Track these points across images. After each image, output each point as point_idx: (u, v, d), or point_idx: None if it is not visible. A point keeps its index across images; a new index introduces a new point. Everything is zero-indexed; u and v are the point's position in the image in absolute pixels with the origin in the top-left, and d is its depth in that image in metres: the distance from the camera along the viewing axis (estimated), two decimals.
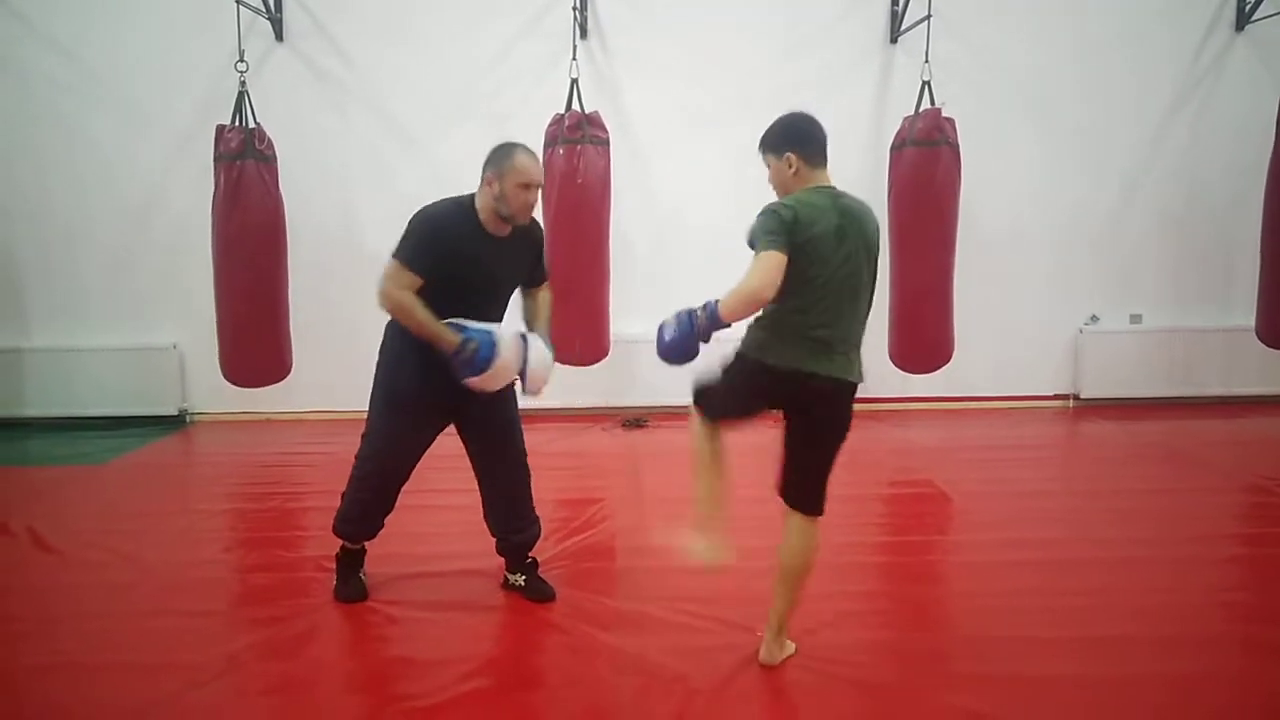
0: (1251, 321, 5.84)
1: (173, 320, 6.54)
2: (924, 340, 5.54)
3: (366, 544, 3.56)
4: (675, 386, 6.44)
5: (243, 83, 5.14)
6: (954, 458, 5.59)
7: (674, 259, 6.50)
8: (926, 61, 5.45)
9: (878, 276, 2.84)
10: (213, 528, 4.38)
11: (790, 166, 2.77)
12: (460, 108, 6.40)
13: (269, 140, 5.18)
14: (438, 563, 3.78)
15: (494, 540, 3.51)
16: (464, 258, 3.10)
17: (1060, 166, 6.63)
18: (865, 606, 3.40)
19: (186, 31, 6.26)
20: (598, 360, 5.57)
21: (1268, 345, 5.76)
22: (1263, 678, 2.88)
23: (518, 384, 3.30)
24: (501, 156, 3.12)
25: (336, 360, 6.58)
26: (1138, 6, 6.51)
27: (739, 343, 2.83)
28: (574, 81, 5.38)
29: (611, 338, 5.61)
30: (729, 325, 2.71)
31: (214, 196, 5.13)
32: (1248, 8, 6.44)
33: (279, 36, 6.32)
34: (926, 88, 5.43)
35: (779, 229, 2.60)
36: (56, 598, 3.55)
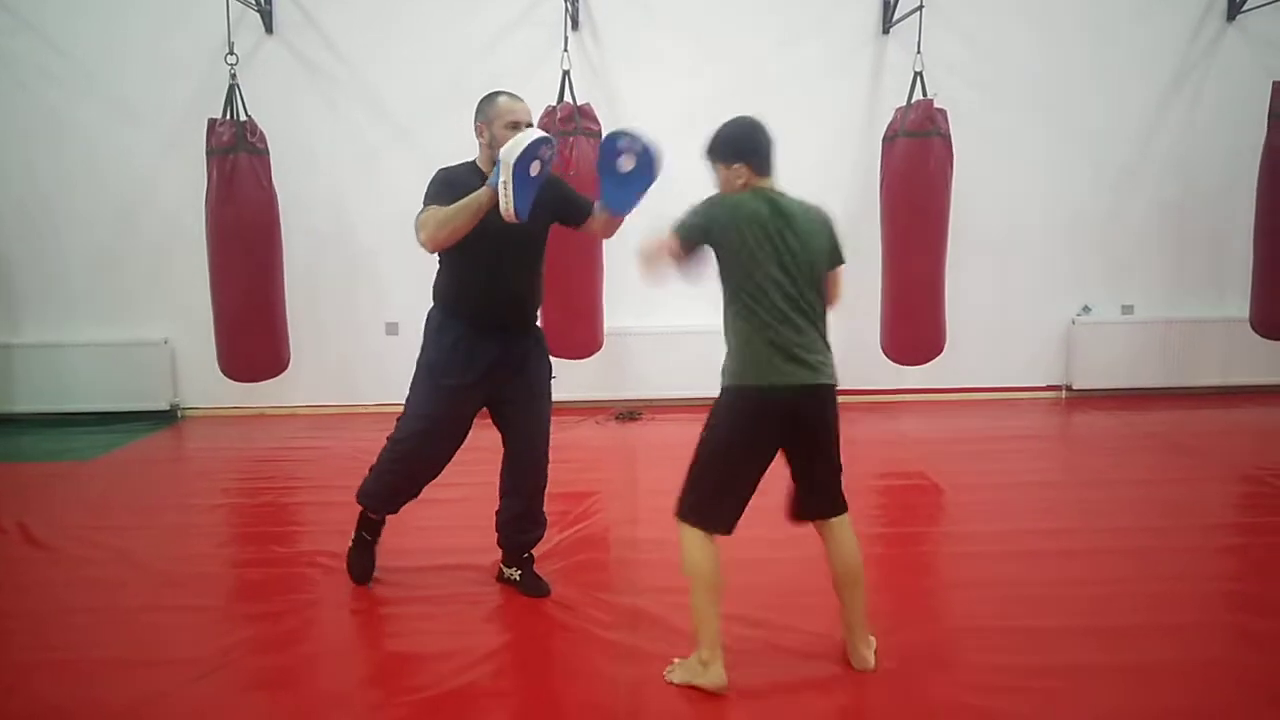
0: (1244, 312, 5.85)
1: (164, 315, 6.51)
2: (916, 332, 5.54)
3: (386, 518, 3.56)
4: (669, 379, 6.53)
5: (233, 76, 5.11)
6: (946, 449, 5.60)
7: None
8: (919, 52, 5.44)
9: (836, 280, 2.85)
10: (205, 523, 4.36)
11: (740, 178, 2.80)
12: (451, 99, 6.32)
13: (261, 133, 5.15)
14: (434, 556, 3.77)
15: (496, 534, 3.50)
16: None
17: (1052, 157, 6.63)
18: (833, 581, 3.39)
19: (175, 24, 6.22)
20: (591, 353, 5.56)
21: (1262, 335, 5.78)
22: (1257, 667, 2.88)
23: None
24: (487, 104, 3.22)
25: (329, 354, 6.58)
26: None
27: (709, 418, 2.77)
28: (566, 73, 5.36)
29: (605, 330, 5.60)
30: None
31: (207, 190, 5.10)
32: None
33: (268, 29, 6.29)
34: (919, 79, 5.42)
35: (695, 219, 2.74)
36: (48, 594, 3.53)
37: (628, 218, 3.32)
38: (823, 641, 3.00)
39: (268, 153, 5.19)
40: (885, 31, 6.46)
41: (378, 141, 6.42)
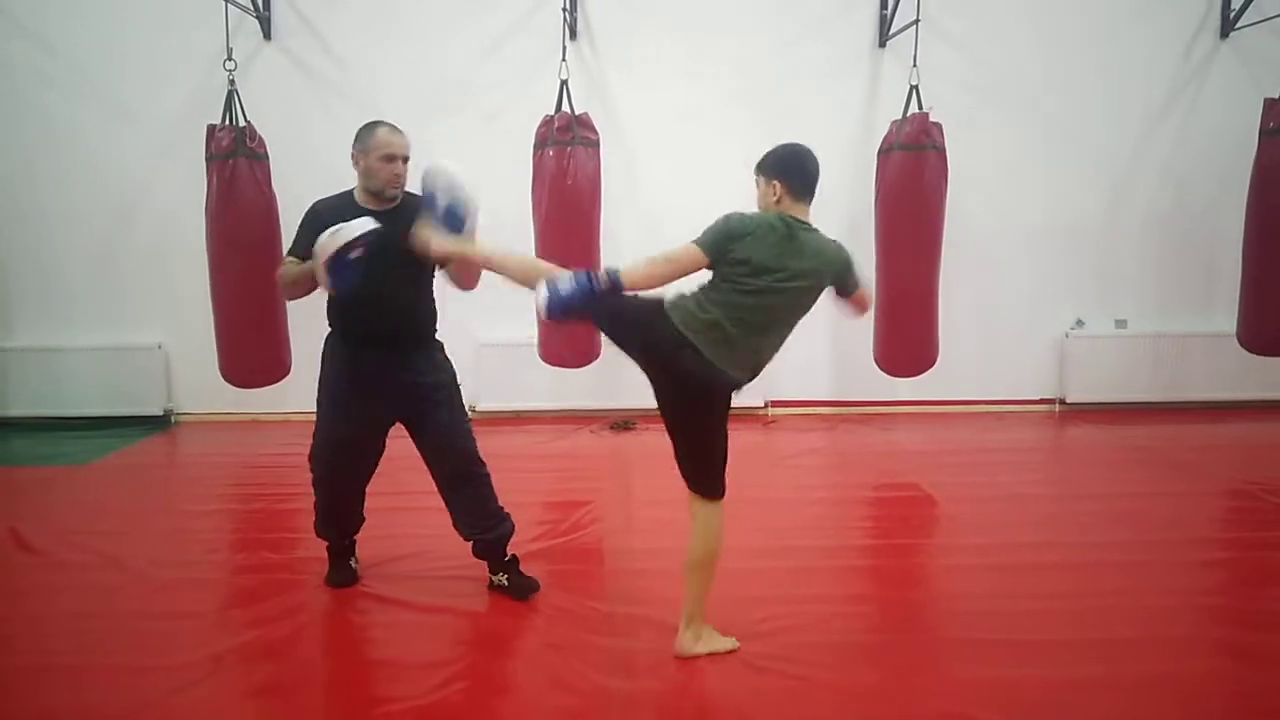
0: (1233, 327, 5.88)
1: (158, 320, 6.51)
2: (910, 344, 5.56)
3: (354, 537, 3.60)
4: None
5: (231, 81, 5.12)
6: (939, 461, 5.61)
7: None
8: (914, 66, 5.47)
9: (862, 300, 3.01)
10: (199, 529, 4.35)
11: (774, 194, 2.90)
12: (449, 108, 6.39)
13: (260, 138, 5.15)
14: (425, 564, 3.77)
15: (470, 545, 3.51)
16: None
17: (1046, 172, 6.67)
18: (849, 609, 3.40)
19: (174, 30, 6.23)
20: (587, 363, 5.56)
21: (1249, 351, 5.80)
22: (1243, 681, 2.90)
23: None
24: (365, 134, 3.30)
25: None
26: (1124, 13, 6.55)
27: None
28: (564, 83, 5.37)
29: (601, 340, 5.61)
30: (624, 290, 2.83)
31: (207, 196, 5.10)
32: (1232, 15, 6.49)
33: (267, 35, 6.30)
34: (914, 92, 5.45)
35: (716, 233, 2.79)
36: (40, 599, 3.52)
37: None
38: (808, 651, 3.01)
39: (267, 158, 5.19)
40: (881, 45, 6.50)
41: None
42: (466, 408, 3.57)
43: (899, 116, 5.50)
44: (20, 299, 6.50)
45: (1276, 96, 5.53)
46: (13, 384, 6.45)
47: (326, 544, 3.61)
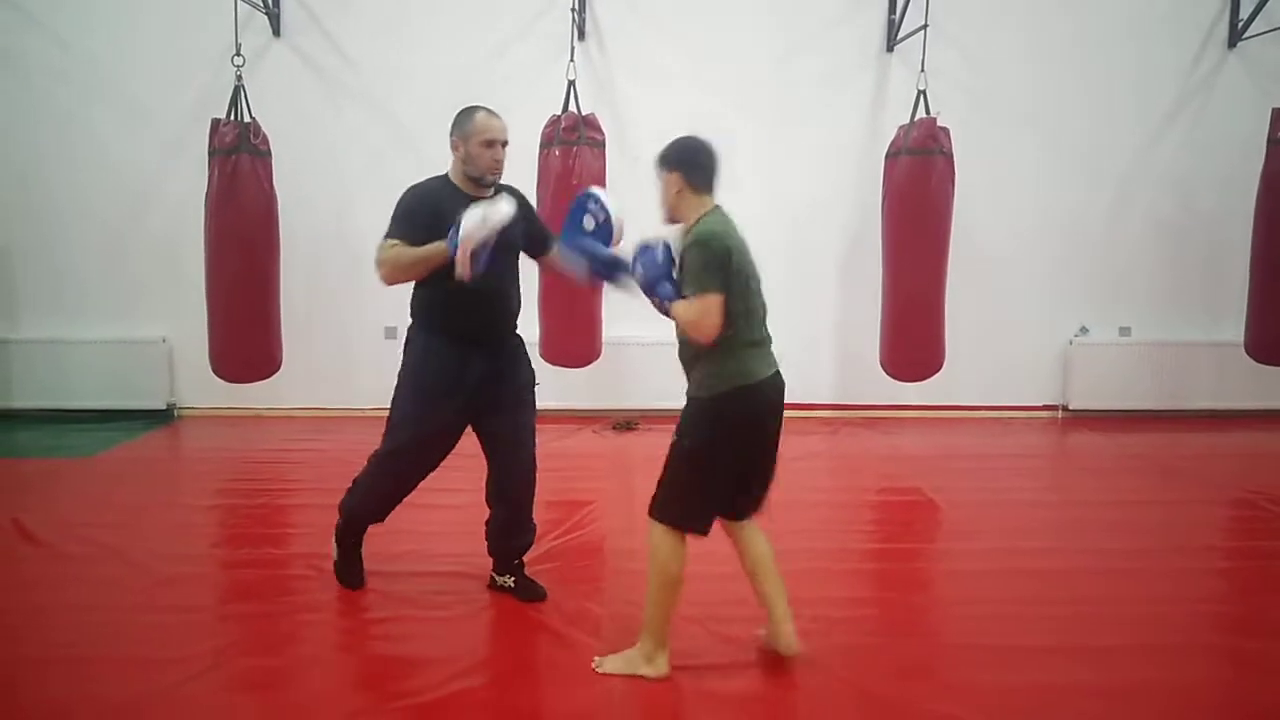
0: (1239, 336, 5.88)
1: (163, 313, 6.52)
2: (915, 349, 5.56)
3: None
4: (666, 389, 6.53)
5: (239, 77, 5.13)
6: (943, 466, 5.61)
7: None
8: (923, 71, 5.48)
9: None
10: (201, 523, 4.37)
11: (674, 186, 2.90)
12: (456, 106, 6.32)
13: (264, 135, 5.16)
14: (428, 562, 3.77)
15: (486, 541, 3.51)
16: (450, 219, 3.07)
17: (1053, 178, 6.67)
18: (852, 613, 3.40)
19: (183, 25, 6.25)
20: (589, 363, 5.57)
21: (1257, 360, 5.80)
22: (1251, 689, 2.90)
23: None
24: (464, 119, 3.22)
25: (328, 357, 6.58)
26: (1133, 21, 6.55)
27: (683, 412, 2.84)
28: (571, 83, 5.38)
29: (603, 340, 5.62)
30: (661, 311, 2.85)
31: (208, 191, 5.11)
32: (1240, 24, 6.49)
33: (276, 32, 6.32)
34: (922, 97, 5.45)
35: (715, 266, 2.69)
36: (44, 591, 3.53)
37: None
38: (808, 653, 3.00)
39: (270, 155, 5.20)
40: (889, 49, 6.50)
41: (382, 145, 6.44)
42: None
43: (906, 121, 5.50)
44: (27, 292, 6.52)
45: None
46: (18, 376, 6.47)
47: (345, 533, 3.55)
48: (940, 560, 4.17)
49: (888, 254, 5.56)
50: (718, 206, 2.87)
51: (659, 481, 2.86)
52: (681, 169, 2.88)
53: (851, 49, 6.54)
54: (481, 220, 2.88)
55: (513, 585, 3.48)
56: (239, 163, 5.03)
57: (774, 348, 2.86)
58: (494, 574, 3.54)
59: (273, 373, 5.39)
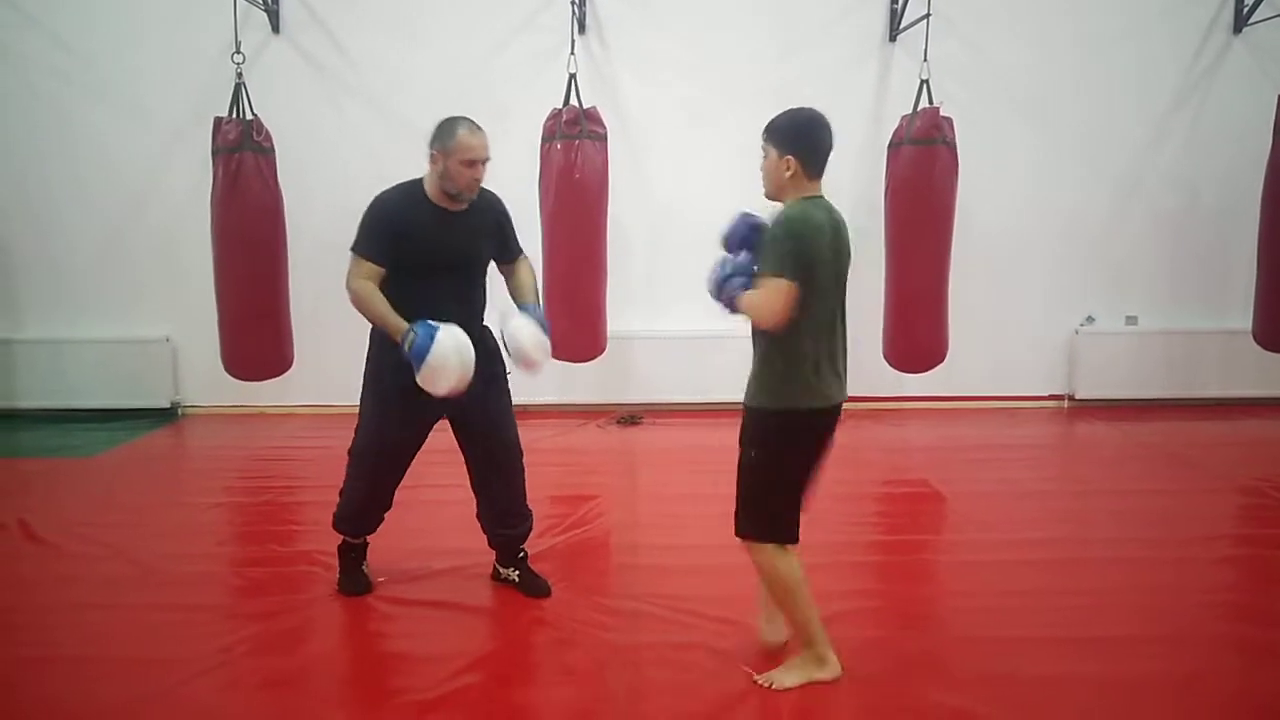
0: (1246, 324, 5.85)
1: (166, 312, 6.51)
2: (919, 340, 5.53)
3: (368, 538, 3.55)
4: (671, 384, 6.53)
5: (239, 74, 5.11)
6: (949, 457, 5.59)
7: (671, 255, 6.49)
8: (925, 60, 5.44)
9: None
10: (206, 521, 4.36)
11: (788, 169, 2.66)
12: (458, 101, 6.27)
13: (267, 132, 5.14)
14: (433, 558, 3.77)
15: (484, 534, 3.50)
16: (420, 237, 3.11)
17: (1058, 167, 6.63)
18: (859, 605, 3.39)
19: (182, 22, 6.23)
20: (594, 357, 5.55)
21: (1264, 348, 5.77)
22: (1259, 679, 2.88)
23: (514, 370, 3.32)
24: (445, 133, 3.15)
25: (331, 354, 6.55)
26: (1137, 8, 6.51)
27: (745, 418, 2.76)
28: (572, 76, 5.36)
29: (608, 334, 5.60)
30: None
31: (212, 189, 5.09)
32: (1245, 10, 6.44)
33: (275, 29, 6.29)
34: (925, 86, 5.42)
35: (794, 254, 2.53)
36: (48, 590, 3.53)
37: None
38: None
39: (273, 151, 5.18)
40: (892, 39, 6.47)
41: (383, 141, 6.41)
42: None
43: (909, 111, 5.47)
44: (29, 292, 6.51)
45: None
46: (21, 376, 6.47)
47: (341, 545, 3.53)
48: (947, 552, 4.15)
49: (890, 244, 5.53)
50: (821, 196, 2.70)
51: (737, 498, 2.76)
52: (799, 153, 2.65)
53: (854, 39, 6.50)
54: (442, 376, 2.97)
55: (517, 579, 3.48)
56: (243, 160, 5.01)
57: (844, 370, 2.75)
58: (498, 566, 3.53)
59: (285, 370, 5.38)
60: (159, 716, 2.65)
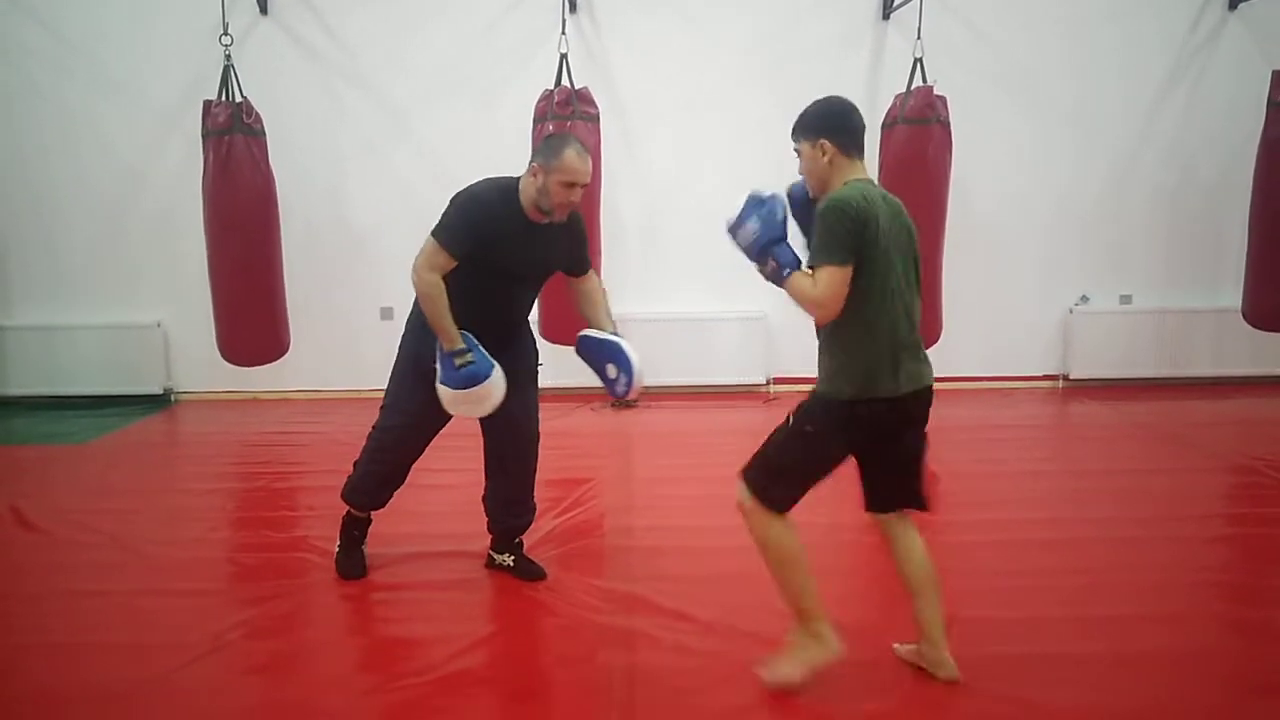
0: (1239, 303, 5.85)
1: (158, 298, 6.49)
2: None
3: (372, 515, 3.54)
4: (666, 366, 6.52)
5: (228, 56, 5.07)
6: (944, 438, 5.53)
7: (665, 235, 6.47)
8: (919, 39, 5.41)
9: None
10: (200, 507, 4.34)
11: (824, 154, 2.55)
12: (448, 81, 6.33)
13: (257, 114, 5.11)
14: (428, 543, 3.76)
15: (486, 520, 3.49)
16: (503, 243, 3.06)
17: (1052, 146, 6.61)
18: (854, 587, 3.40)
19: (170, 5, 6.18)
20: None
21: (1255, 326, 5.77)
22: (1252, 657, 2.89)
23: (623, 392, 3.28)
24: (552, 150, 3.02)
25: (326, 339, 6.55)
26: None
27: (811, 399, 2.63)
28: (563, 56, 5.32)
29: None
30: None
31: (204, 173, 5.06)
32: None
33: (263, 9, 6.24)
34: (919, 65, 5.39)
35: (845, 235, 2.40)
36: (42, 577, 3.52)
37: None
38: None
39: (264, 134, 5.15)
40: (885, 17, 6.43)
41: (374, 123, 6.38)
42: None
43: (903, 90, 5.44)
44: (21, 278, 6.48)
45: None
46: (13, 363, 6.44)
47: (346, 518, 3.51)
48: (942, 532, 4.14)
49: None
50: (870, 180, 2.60)
51: (762, 445, 2.66)
52: (831, 134, 2.55)
53: (847, 17, 6.46)
54: (477, 406, 3.08)
55: (511, 564, 3.47)
56: (234, 143, 4.98)
57: (922, 355, 2.64)
58: (492, 552, 3.52)
59: (281, 355, 5.37)
60: (154, 702, 2.64)
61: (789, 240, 2.56)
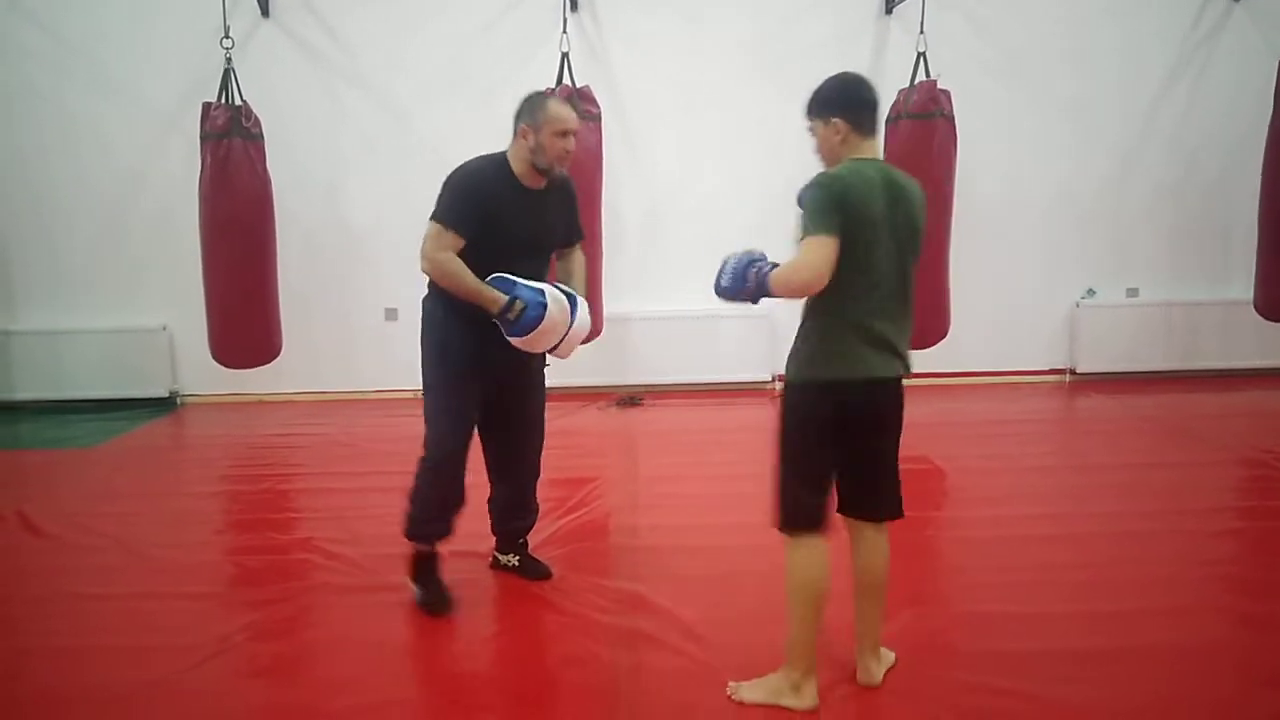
0: (1248, 294, 5.81)
1: (162, 301, 6.49)
2: (920, 315, 5.44)
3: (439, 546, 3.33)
4: (671, 364, 6.50)
5: (228, 59, 5.07)
6: (950, 433, 5.57)
7: (667, 234, 6.46)
8: (922, 33, 5.40)
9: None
10: (204, 510, 4.35)
11: (838, 133, 2.49)
12: (449, 82, 6.32)
13: (255, 118, 5.11)
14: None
15: (489, 521, 3.48)
16: (504, 214, 3.02)
17: (1056, 139, 6.58)
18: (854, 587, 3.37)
19: (172, 7, 6.18)
20: (591, 339, 5.51)
21: (1265, 318, 5.74)
22: (1259, 651, 2.87)
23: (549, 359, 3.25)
24: (535, 106, 3.04)
25: (328, 341, 6.55)
26: None
27: (786, 407, 2.55)
28: (564, 55, 5.32)
29: (605, 315, 5.57)
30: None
31: (201, 176, 5.07)
32: None
33: (265, 12, 6.24)
34: (922, 59, 5.38)
35: (829, 208, 2.34)
36: (47, 580, 3.52)
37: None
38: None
39: (262, 137, 5.15)
40: (888, 11, 6.40)
41: (375, 124, 6.37)
42: None
43: (906, 85, 5.42)
44: (25, 282, 6.48)
45: None
46: (19, 367, 6.44)
47: (414, 558, 3.26)
48: (950, 528, 4.13)
49: None
50: (876, 159, 2.53)
51: (774, 486, 2.57)
52: (846, 113, 2.49)
53: (850, 12, 6.44)
54: (551, 336, 3.00)
55: (517, 564, 3.46)
56: (231, 146, 4.99)
57: (901, 344, 2.52)
58: (496, 553, 3.51)
59: (273, 358, 5.38)
60: (157, 705, 2.64)
61: (748, 273, 2.46)
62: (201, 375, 6.49)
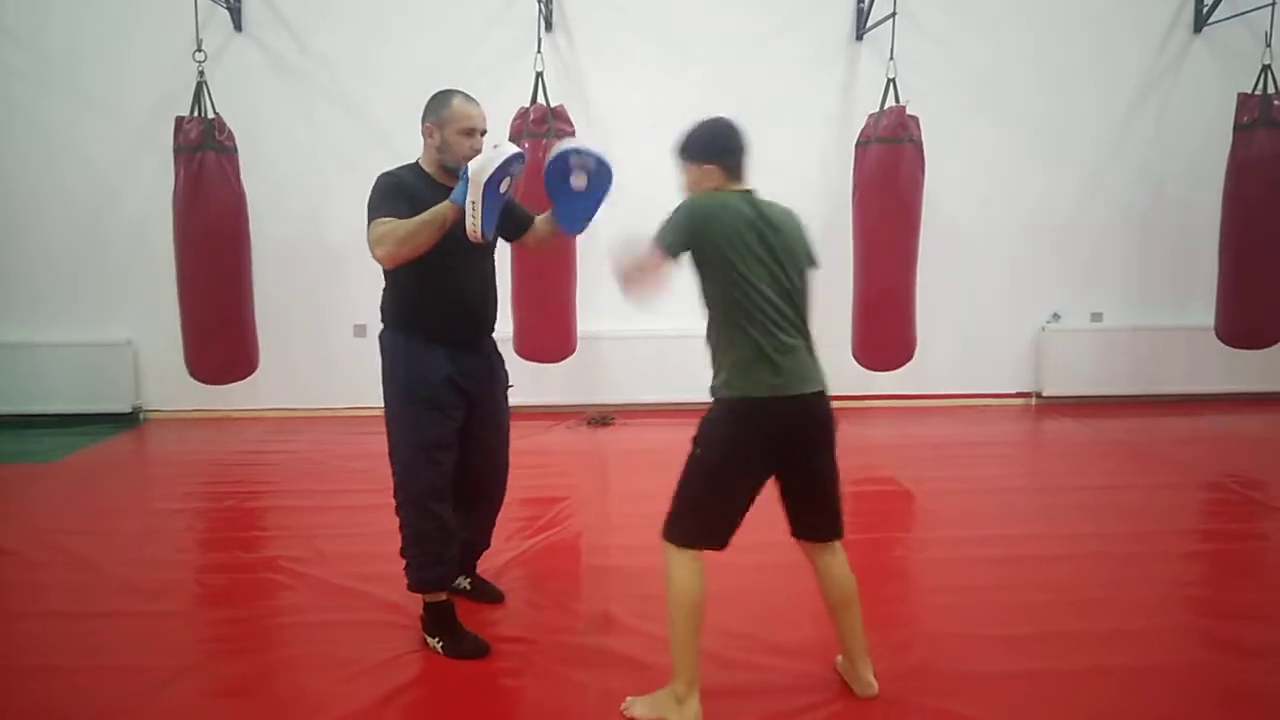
0: (1209, 320, 5.92)
1: (127, 316, 6.41)
2: (887, 338, 5.56)
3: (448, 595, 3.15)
4: (642, 384, 6.51)
5: (201, 73, 5.04)
6: (916, 455, 5.61)
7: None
8: (891, 59, 5.47)
9: (810, 287, 2.66)
10: (169, 528, 4.28)
11: (711, 179, 2.67)
12: (423, 99, 6.23)
13: (229, 131, 5.08)
14: (388, 564, 3.69)
15: None
16: (428, 207, 2.92)
17: (1023, 165, 6.68)
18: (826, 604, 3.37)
19: (143, 21, 6.14)
20: (563, 357, 5.53)
21: (1227, 344, 5.85)
22: (1221, 671, 2.91)
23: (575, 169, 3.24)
24: (439, 104, 3.02)
25: (298, 357, 6.50)
26: (1100, 6, 6.57)
27: (702, 426, 2.61)
28: (539, 75, 5.33)
29: (578, 334, 5.57)
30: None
31: (175, 189, 5.02)
32: (1205, 10, 6.52)
33: (238, 26, 6.21)
34: (891, 85, 5.45)
35: (677, 227, 2.54)
36: (9, 599, 3.46)
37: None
38: (788, 647, 2.98)
39: (236, 151, 5.12)
40: (859, 38, 6.49)
41: (348, 140, 6.35)
42: None
43: (876, 110, 5.49)
44: None
45: (1250, 91, 5.57)
46: None
47: (428, 609, 3.07)
48: (916, 549, 4.16)
49: (858, 243, 5.56)
50: (748, 191, 2.66)
51: (673, 496, 2.63)
52: (721, 159, 2.67)
53: (821, 38, 6.52)
54: (490, 155, 2.72)
55: (468, 587, 3.41)
56: (205, 160, 4.95)
57: (809, 361, 2.56)
58: None
59: (250, 373, 5.33)
60: None
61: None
62: (165, 390, 6.42)
